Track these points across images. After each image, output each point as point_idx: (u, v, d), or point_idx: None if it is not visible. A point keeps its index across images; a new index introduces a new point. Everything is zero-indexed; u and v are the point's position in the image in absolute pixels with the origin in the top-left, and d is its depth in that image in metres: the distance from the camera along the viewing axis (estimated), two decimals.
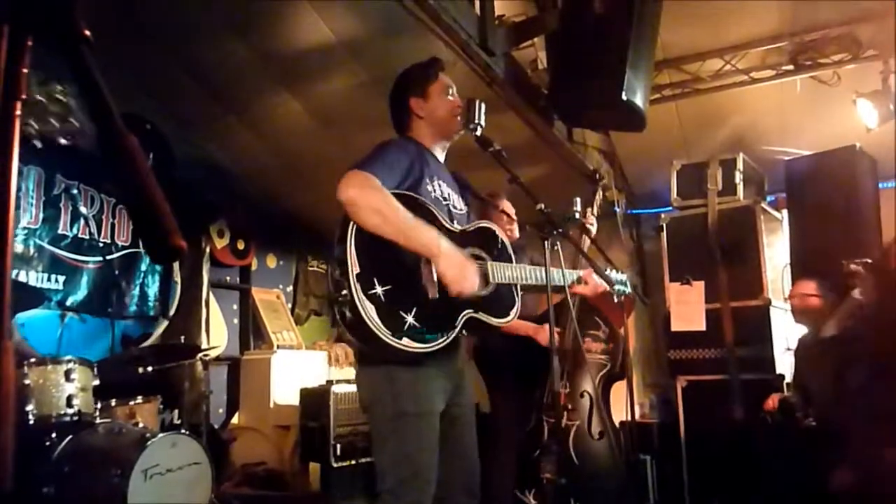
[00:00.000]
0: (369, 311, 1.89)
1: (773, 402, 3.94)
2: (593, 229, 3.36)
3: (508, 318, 2.19)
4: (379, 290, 1.92)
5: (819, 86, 4.82)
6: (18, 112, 0.64)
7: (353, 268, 1.91)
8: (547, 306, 3.29)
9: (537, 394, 3.49)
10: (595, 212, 3.60)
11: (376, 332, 1.89)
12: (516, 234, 3.48)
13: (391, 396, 2.01)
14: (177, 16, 3.69)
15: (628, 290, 2.77)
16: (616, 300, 2.71)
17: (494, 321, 2.15)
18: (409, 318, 1.95)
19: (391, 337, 1.91)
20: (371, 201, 1.95)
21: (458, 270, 1.99)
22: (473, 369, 3.69)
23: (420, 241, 1.98)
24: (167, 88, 4.34)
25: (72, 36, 0.68)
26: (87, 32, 0.69)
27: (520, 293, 2.25)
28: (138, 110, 4.64)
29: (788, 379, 4.32)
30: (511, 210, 3.45)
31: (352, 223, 1.95)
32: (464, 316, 2.06)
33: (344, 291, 1.91)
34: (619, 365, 3.63)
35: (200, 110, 4.60)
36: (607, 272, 2.69)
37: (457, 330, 2.05)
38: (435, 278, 2.01)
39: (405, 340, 1.93)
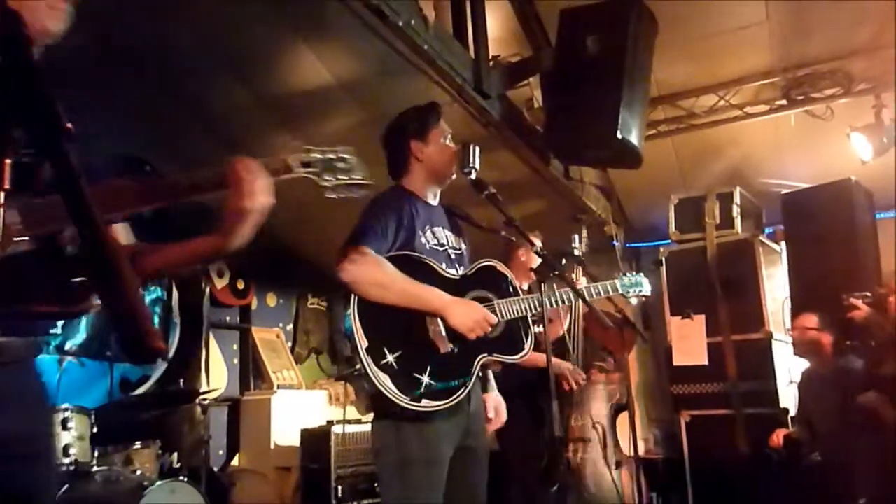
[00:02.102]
0: (384, 382, 1.97)
1: (777, 438, 3.90)
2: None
3: (523, 353, 2.20)
4: (390, 358, 1.99)
5: (813, 120, 4.87)
6: (3, 201, 0.64)
7: (362, 342, 1.99)
8: (557, 335, 3.29)
9: (548, 429, 3.46)
10: (584, 248, 3.59)
11: (396, 400, 1.97)
12: (533, 261, 3.47)
13: (398, 443, 2.05)
14: (177, 58, 3.74)
15: (642, 288, 2.68)
16: (636, 300, 2.67)
17: (509, 359, 2.18)
18: (425, 379, 2.01)
19: (410, 402, 1.98)
20: (371, 276, 2.03)
21: (469, 317, 2.07)
22: None
23: (425, 302, 2.07)
24: (167, 130, 4.37)
25: (54, 130, 0.68)
26: (70, 126, 0.70)
27: (532, 325, 2.25)
28: (137, 151, 4.67)
29: (793, 413, 4.28)
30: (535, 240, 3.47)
31: (354, 298, 2.03)
32: (479, 360, 2.11)
33: (358, 366, 2.00)
34: (626, 395, 3.62)
35: (201, 151, 4.62)
36: (621, 277, 2.65)
37: (474, 377, 2.09)
38: (443, 333, 2.08)
39: (424, 402, 2.00)
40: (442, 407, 2.01)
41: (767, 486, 3.89)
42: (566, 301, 2.31)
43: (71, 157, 0.70)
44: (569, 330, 3.53)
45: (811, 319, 3.86)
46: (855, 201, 4.52)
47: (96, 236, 0.70)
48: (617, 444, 3.44)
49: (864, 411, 3.25)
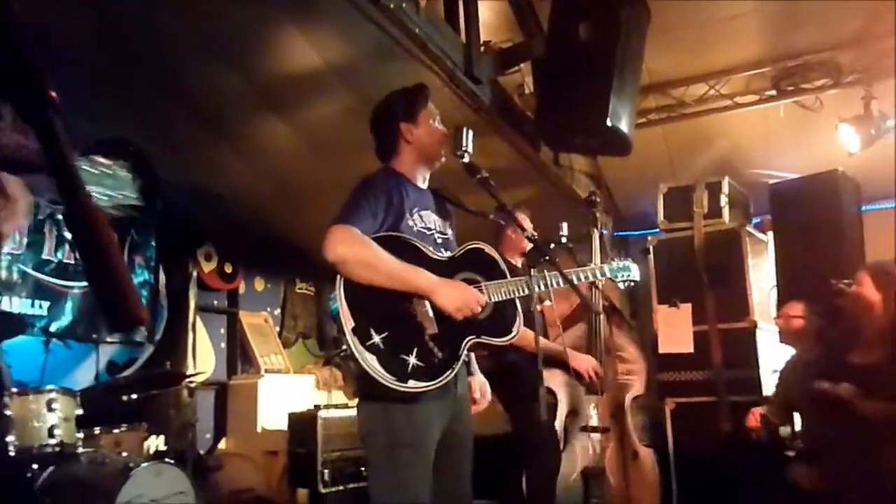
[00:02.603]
0: (371, 362, 1.96)
1: (754, 417, 3.94)
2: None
3: (511, 335, 2.20)
4: (377, 339, 1.98)
5: (802, 110, 4.89)
6: None
7: (348, 322, 1.98)
8: (564, 314, 3.29)
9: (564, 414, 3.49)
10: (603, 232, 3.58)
11: (382, 381, 1.96)
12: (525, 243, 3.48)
13: (387, 426, 2.04)
14: (165, 41, 3.69)
15: (630, 273, 2.68)
16: (623, 285, 2.68)
17: (497, 341, 2.18)
18: (412, 360, 2.00)
19: (396, 383, 1.97)
20: (358, 256, 2.01)
21: (456, 297, 2.06)
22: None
23: (412, 283, 2.05)
24: (155, 113, 4.33)
25: (40, 100, 0.67)
26: (54, 95, 0.68)
27: (519, 309, 2.25)
28: (125, 134, 4.63)
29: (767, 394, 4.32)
30: (525, 222, 3.49)
31: (339, 279, 2.01)
32: (466, 343, 2.10)
33: (344, 346, 1.97)
34: (644, 386, 3.66)
35: (188, 134, 4.59)
36: (609, 262, 2.66)
37: (461, 359, 2.09)
38: (431, 314, 2.07)
39: (411, 383, 1.99)
40: (428, 388, 2.00)
41: (751, 473, 3.92)
42: (554, 285, 2.31)
43: (56, 126, 0.69)
44: (589, 321, 3.54)
45: (797, 308, 3.89)
46: (842, 192, 4.54)
47: (79, 204, 0.70)
48: (633, 434, 3.51)
49: (833, 401, 3.29)
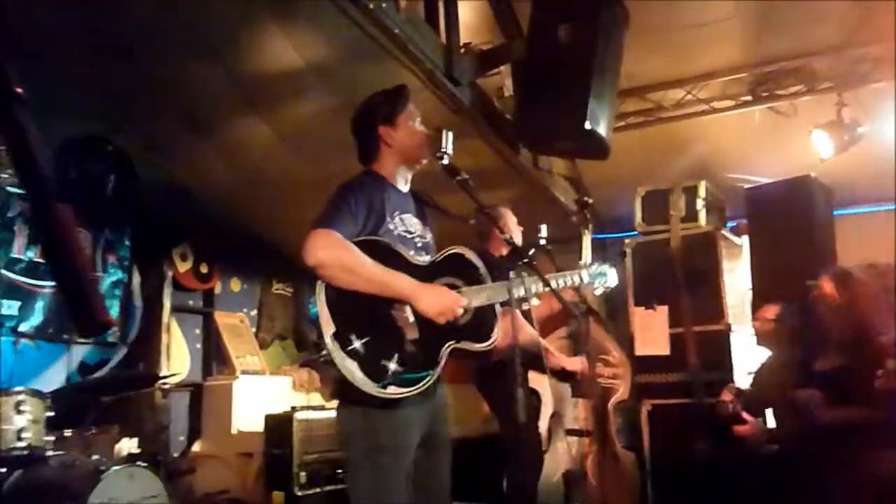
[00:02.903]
0: (351, 368, 1.94)
1: (728, 394, 3.97)
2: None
3: (490, 341, 2.19)
4: (357, 344, 1.97)
5: (777, 116, 4.95)
6: None
7: (328, 328, 1.97)
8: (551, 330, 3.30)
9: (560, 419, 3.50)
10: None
11: (362, 387, 1.94)
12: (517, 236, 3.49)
13: (366, 431, 2.04)
14: (143, 37, 3.64)
15: (606, 279, 2.69)
16: (601, 291, 2.69)
17: (477, 347, 2.17)
18: (392, 365, 1.99)
19: (377, 389, 1.96)
20: (339, 260, 2.00)
21: (438, 302, 2.06)
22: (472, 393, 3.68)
23: (393, 288, 2.05)
24: (131, 110, 4.27)
25: (4, 93, 0.64)
26: (20, 90, 0.66)
27: (498, 314, 2.24)
28: (101, 131, 4.57)
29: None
30: (508, 219, 3.50)
31: (320, 283, 2.00)
32: (447, 348, 2.10)
33: (324, 352, 1.96)
34: (628, 390, 3.67)
35: (165, 132, 4.53)
36: (586, 269, 2.67)
37: (441, 365, 2.08)
38: (411, 319, 2.06)
39: (391, 389, 1.97)
40: (408, 394, 1.99)
41: (728, 475, 3.96)
42: (534, 290, 2.31)
43: (21, 121, 0.66)
44: (576, 324, 3.55)
45: (771, 310, 3.94)
46: (814, 197, 4.61)
47: (45, 204, 0.67)
48: (615, 436, 3.52)
49: (797, 407, 3.33)
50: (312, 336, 6.25)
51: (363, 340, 1.97)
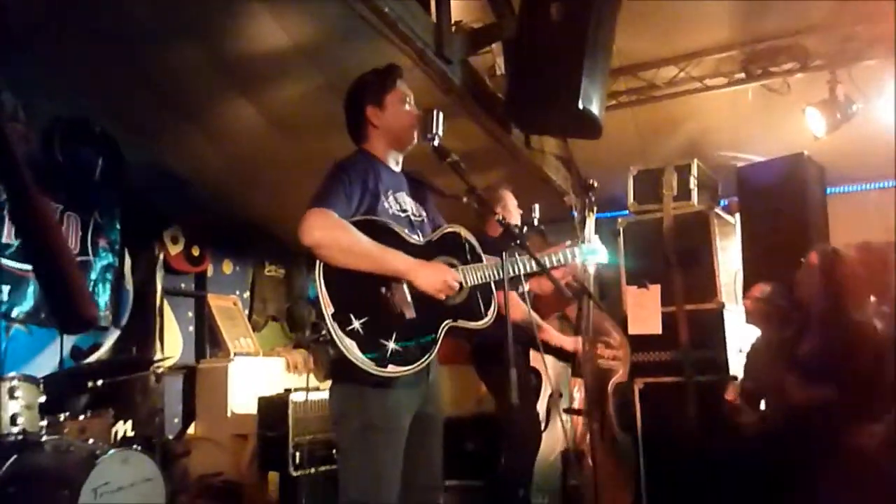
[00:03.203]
0: (351, 348, 1.96)
1: (732, 392, 4.00)
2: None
3: (486, 320, 2.22)
4: (356, 324, 1.98)
5: (770, 94, 4.93)
6: None
7: (328, 308, 1.97)
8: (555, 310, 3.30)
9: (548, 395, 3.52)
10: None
11: (362, 366, 1.96)
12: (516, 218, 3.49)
13: (359, 410, 2.05)
14: (128, 18, 3.59)
15: (601, 256, 2.69)
16: (589, 269, 2.71)
17: (473, 325, 2.19)
18: (391, 345, 2.01)
19: (376, 368, 1.97)
20: (337, 240, 2.00)
21: (435, 278, 2.07)
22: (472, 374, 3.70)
23: (390, 266, 2.05)
24: (118, 92, 4.22)
25: None
26: None
27: (495, 293, 2.26)
28: (88, 115, 4.51)
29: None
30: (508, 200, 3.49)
31: (319, 264, 2.00)
32: (444, 327, 2.11)
33: (324, 332, 1.97)
34: (627, 372, 3.69)
35: (153, 115, 4.48)
36: (577, 246, 2.66)
37: (438, 343, 2.10)
38: (409, 299, 2.07)
39: (390, 367, 1.99)
40: (408, 372, 2.01)
41: (719, 452, 4.00)
42: (528, 268, 2.31)
43: None
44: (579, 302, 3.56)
45: (764, 289, 3.95)
46: (807, 176, 4.61)
47: (25, 197, 0.66)
48: (613, 420, 3.54)
49: (775, 388, 3.37)
50: (311, 317, 6.26)
51: (362, 320, 1.99)
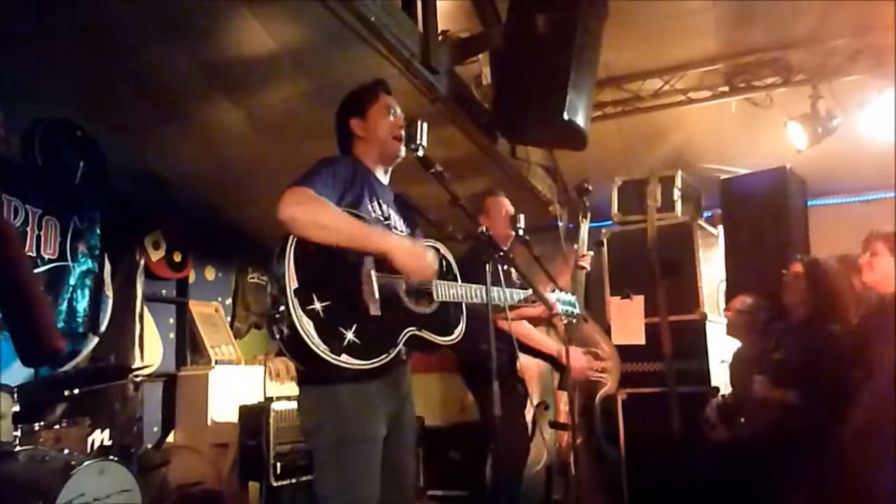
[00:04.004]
0: (307, 327, 1.87)
1: (712, 407, 4.02)
2: (589, 257, 3.33)
3: (452, 337, 2.19)
4: (318, 305, 1.90)
5: (753, 107, 4.99)
6: None
7: (291, 283, 1.89)
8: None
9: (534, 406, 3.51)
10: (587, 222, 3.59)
11: (314, 348, 1.87)
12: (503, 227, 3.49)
13: (335, 421, 1.99)
14: (113, 18, 3.55)
15: (577, 310, 2.78)
16: (566, 322, 2.74)
17: (438, 339, 2.15)
18: (349, 335, 1.93)
19: (329, 353, 1.88)
20: (314, 215, 1.94)
21: (415, 259, 2.03)
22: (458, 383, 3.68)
23: (371, 239, 2.01)
24: (101, 93, 4.16)
25: None
26: None
27: (465, 313, 2.24)
28: (70, 116, 4.45)
29: (724, 391, 4.42)
30: (508, 208, 3.49)
31: (291, 238, 1.93)
32: (406, 333, 2.06)
33: (281, 307, 1.88)
34: (616, 385, 3.68)
35: (136, 117, 4.43)
36: (556, 292, 2.71)
37: (398, 348, 2.03)
38: (376, 295, 2.00)
39: (344, 357, 1.90)
40: (361, 367, 1.93)
41: (699, 462, 4.01)
42: (508, 300, 2.33)
43: None
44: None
45: (744, 301, 3.98)
46: (789, 188, 4.66)
47: None
48: (599, 432, 3.54)
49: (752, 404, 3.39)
50: (273, 289, 6.20)
51: (324, 303, 1.91)
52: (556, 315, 2.68)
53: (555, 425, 3.56)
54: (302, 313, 1.87)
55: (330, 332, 1.90)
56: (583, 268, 3.10)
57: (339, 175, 2.09)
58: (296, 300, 1.88)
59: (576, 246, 3.34)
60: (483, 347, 2.88)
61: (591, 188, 3.53)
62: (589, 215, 3.40)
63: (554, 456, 3.49)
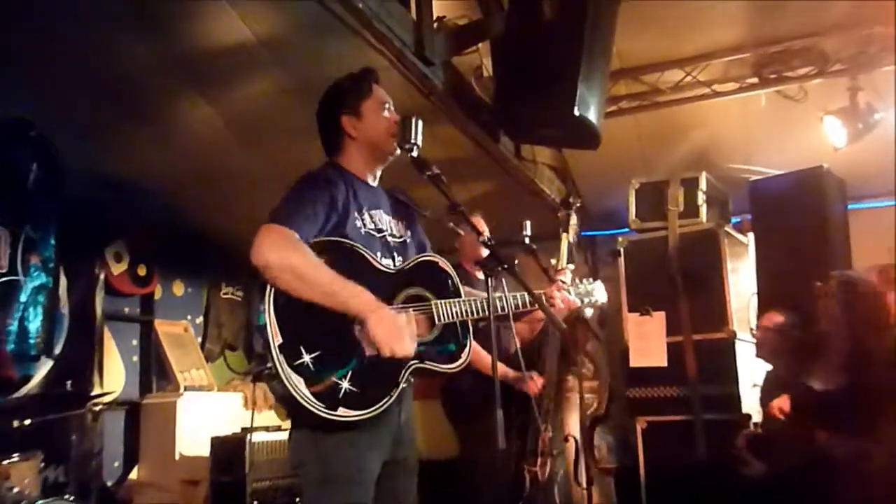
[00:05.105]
0: (297, 385, 1.92)
1: (743, 439, 4.03)
2: (568, 271, 3.37)
3: (459, 363, 2.21)
4: (306, 358, 1.95)
5: (785, 101, 5.01)
6: None
7: (275, 338, 1.94)
8: (522, 342, 3.34)
9: (516, 442, 3.51)
10: (572, 238, 3.64)
11: (308, 406, 1.92)
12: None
13: (319, 459, 2.03)
14: (71, 7, 3.59)
15: (595, 297, 2.79)
16: (591, 312, 2.76)
17: (443, 368, 2.17)
18: (345, 384, 1.97)
19: (325, 410, 1.94)
20: (292, 266, 1.97)
21: (389, 331, 2.01)
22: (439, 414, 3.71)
23: (347, 304, 2.01)
24: (58, 91, 4.21)
25: None
26: None
27: (471, 332, 2.26)
28: (23, 114, 4.49)
29: (756, 419, 4.44)
30: (483, 227, 3.53)
31: (270, 288, 1.97)
32: (408, 369, 2.09)
33: (269, 364, 1.94)
34: (605, 404, 3.69)
35: (97, 115, 4.47)
36: (576, 285, 2.74)
37: (401, 387, 2.07)
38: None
39: (341, 410, 1.96)
40: (361, 418, 1.98)
41: (728, 501, 4.02)
42: (514, 306, 2.35)
43: None
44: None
45: (774, 318, 3.98)
46: (826, 190, 4.69)
47: None
48: (590, 460, 3.54)
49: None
50: (258, 346, 6.24)
51: (314, 354, 1.96)
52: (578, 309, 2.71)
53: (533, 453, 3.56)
54: (290, 370, 1.93)
55: (324, 386, 1.95)
56: (561, 283, 3.13)
57: (321, 198, 2.11)
58: (282, 357, 1.93)
59: (553, 261, 3.37)
60: (465, 377, 2.93)
61: (577, 202, 3.57)
62: (571, 229, 3.44)
63: (536, 487, 3.51)
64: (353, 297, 2.02)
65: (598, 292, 2.78)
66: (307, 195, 2.11)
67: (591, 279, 2.89)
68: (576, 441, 3.55)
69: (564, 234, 3.59)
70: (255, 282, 2.04)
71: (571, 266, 3.48)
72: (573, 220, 3.64)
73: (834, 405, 3.28)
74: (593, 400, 3.67)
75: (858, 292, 3.44)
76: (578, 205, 3.70)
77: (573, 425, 3.57)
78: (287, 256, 1.97)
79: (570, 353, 3.65)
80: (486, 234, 3.56)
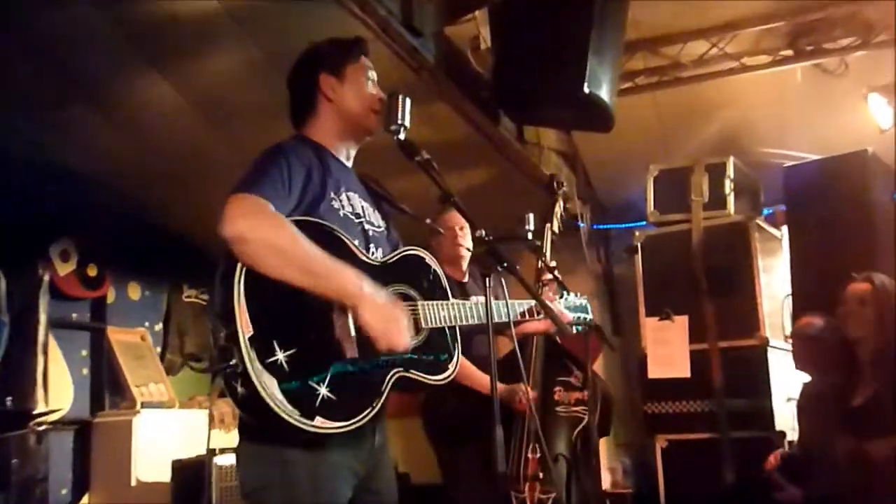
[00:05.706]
0: (269, 386, 1.81)
1: (774, 459, 4.04)
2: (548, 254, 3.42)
3: (447, 374, 2.18)
4: (280, 356, 1.85)
5: (824, 75, 5.03)
6: None
7: (245, 329, 1.82)
8: (508, 350, 3.36)
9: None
10: (556, 228, 3.65)
11: (280, 413, 1.82)
12: (468, 243, 3.53)
13: (284, 484, 1.96)
14: None
15: (588, 316, 2.82)
16: (574, 331, 2.77)
17: (430, 379, 2.14)
18: (322, 390, 1.88)
19: (300, 418, 1.83)
20: (267, 236, 1.87)
21: (387, 323, 1.95)
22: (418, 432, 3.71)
23: (336, 285, 1.93)
24: None
25: None
26: None
27: (459, 339, 2.24)
28: None
29: (791, 437, 4.45)
30: (458, 222, 3.53)
31: (239, 267, 1.86)
32: (391, 377, 2.04)
33: (233, 361, 1.83)
34: (598, 417, 3.70)
35: (37, 93, 4.46)
36: (564, 297, 2.75)
37: (383, 398, 2.02)
38: (352, 332, 1.95)
39: (319, 420, 1.86)
40: (341, 430, 1.90)
41: None
42: (510, 315, 2.35)
43: None
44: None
45: (811, 324, 3.98)
46: (870, 178, 4.69)
47: None
48: (584, 481, 3.54)
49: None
50: (220, 338, 6.23)
51: (289, 352, 1.86)
52: (568, 325, 2.70)
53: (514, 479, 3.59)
54: (262, 368, 1.81)
55: (300, 390, 1.85)
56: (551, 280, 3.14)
57: (293, 171, 2.04)
58: (252, 352, 1.82)
59: (543, 260, 3.37)
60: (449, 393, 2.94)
61: (564, 184, 3.58)
62: (556, 218, 3.44)
63: None
64: (345, 277, 1.93)
65: (587, 310, 2.81)
66: (278, 164, 2.03)
67: (575, 294, 2.89)
68: (567, 461, 3.55)
69: (548, 225, 3.59)
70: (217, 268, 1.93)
71: (553, 264, 3.49)
72: (558, 207, 3.64)
73: (870, 414, 3.30)
74: (584, 412, 3.66)
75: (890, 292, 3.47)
76: (564, 188, 3.70)
77: (561, 445, 3.57)
78: (263, 226, 1.88)
79: (560, 363, 3.67)
80: (464, 226, 3.58)
